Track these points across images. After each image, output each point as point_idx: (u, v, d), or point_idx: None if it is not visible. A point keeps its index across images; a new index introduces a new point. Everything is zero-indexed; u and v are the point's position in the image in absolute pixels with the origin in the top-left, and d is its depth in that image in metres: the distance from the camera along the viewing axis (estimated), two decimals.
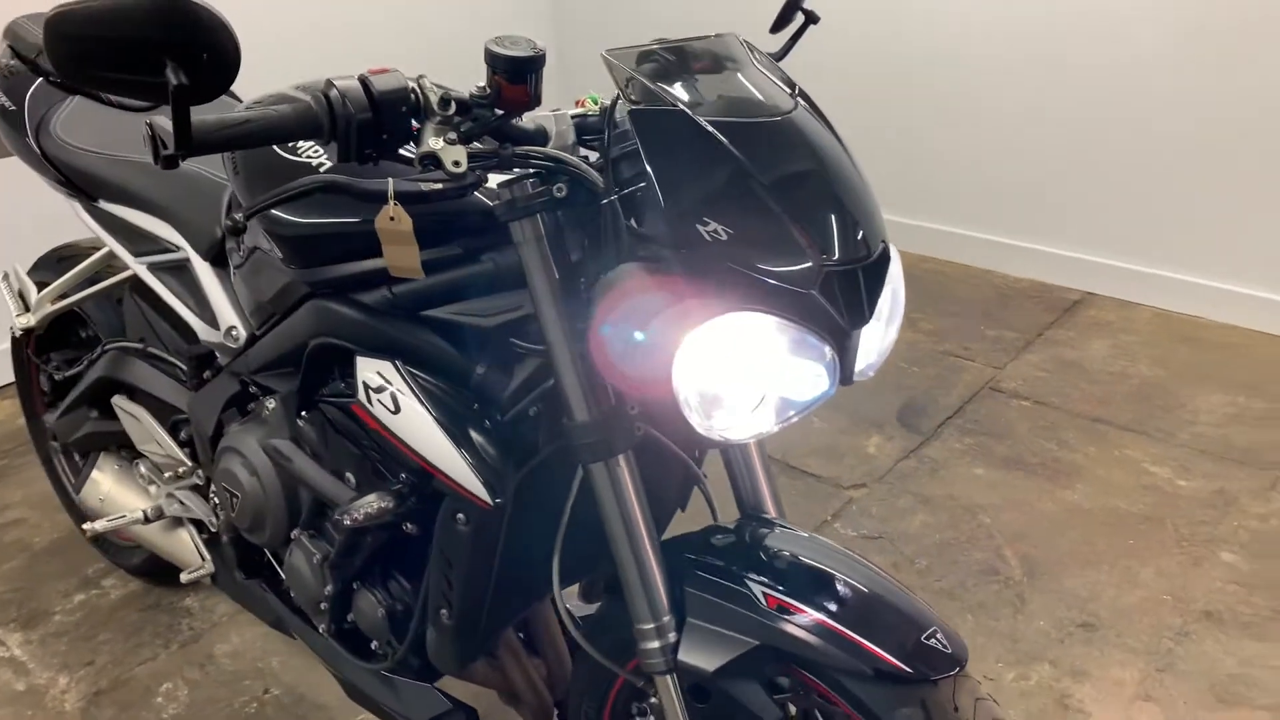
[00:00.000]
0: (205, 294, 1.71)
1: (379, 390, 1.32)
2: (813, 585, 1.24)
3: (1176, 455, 2.76)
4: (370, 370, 1.34)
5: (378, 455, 1.42)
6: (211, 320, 1.71)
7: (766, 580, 1.25)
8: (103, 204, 1.87)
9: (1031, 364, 3.26)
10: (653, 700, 1.38)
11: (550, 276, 1.19)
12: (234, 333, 1.67)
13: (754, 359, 1.08)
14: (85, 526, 1.98)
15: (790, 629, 1.20)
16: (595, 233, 1.19)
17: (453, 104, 1.13)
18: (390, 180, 1.12)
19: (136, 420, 1.90)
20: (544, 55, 1.13)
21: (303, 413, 1.52)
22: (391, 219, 1.12)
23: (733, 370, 1.08)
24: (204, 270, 1.73)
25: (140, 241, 1.83)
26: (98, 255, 2.07)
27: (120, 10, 0.92)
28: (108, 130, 1.91)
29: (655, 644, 1.26)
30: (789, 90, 1.18)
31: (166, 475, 1.91)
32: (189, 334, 1.93)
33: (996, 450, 2.84)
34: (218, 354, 1.77)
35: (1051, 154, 3.59)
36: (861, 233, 1.11)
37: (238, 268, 1.61)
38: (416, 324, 1.35)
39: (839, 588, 1.24)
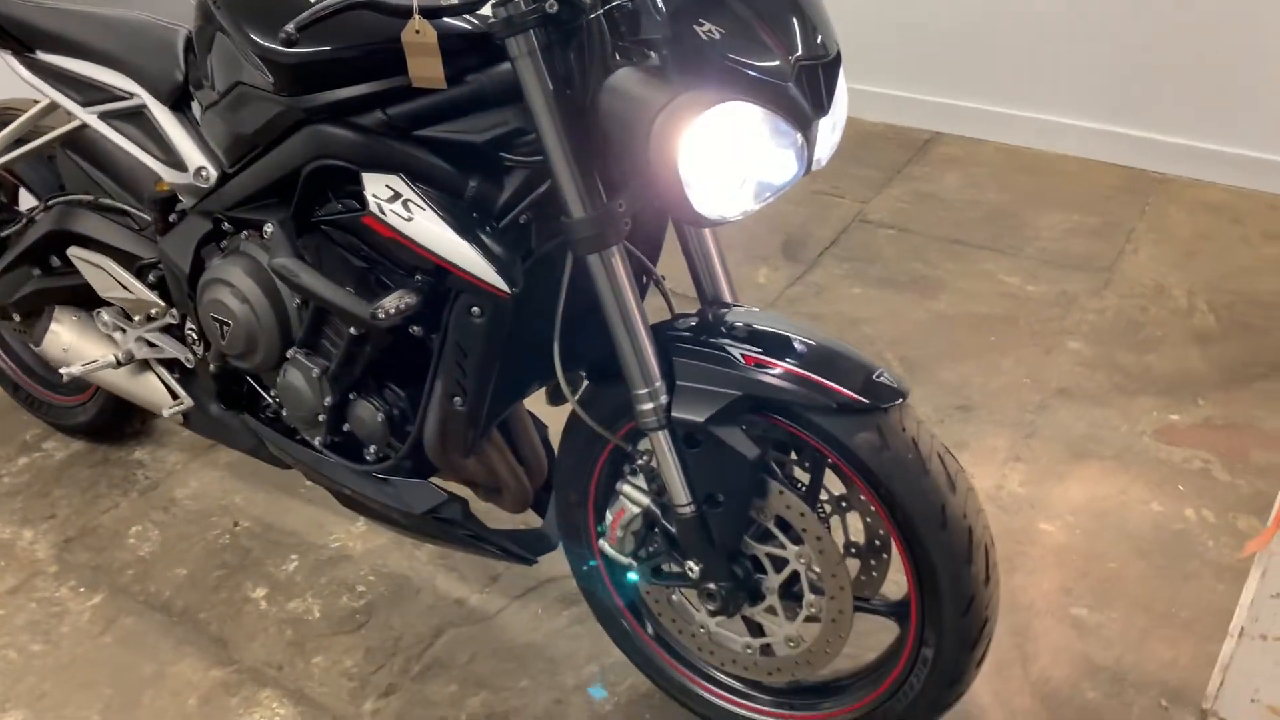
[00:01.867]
0: (168, 137, 1.78)
1: (391, 200, 1.46)
2: (780, 345, 1.49)
3: (1024, 266, 3.14)
4: (379, 184, 1.47)
5: (387, 263, 1.56)
6: (176, 163, 1.79)
7: (742, 344, 1.48)
8: (41, 55, 1.89)
9: (894, 197, 3.58)
10: (640, 461, 1.61)
11: (546, 88, 1.35)
12: (204, 173, 1.76)
13: (744, 143, 1.28)
14: (63, 371, 2.04)
15: (767, 379, 1.44)
16: (578, 46, 1.35)
17: None
18: None
19: (100, 270, 1.97)
20: None
21: (300, 235, 1.64)
22: (417, 32, 1.26)
23: (727, 153, 1.28)
24: (164, 114, 1.79)
25: (87, 92, 1.87)
26: (26, 115, 2.07)
27: None
28: None
29: (650, 405, 1.47)
30: None
31: (136, 319, 1.99)
32: (140, 182, 2.00)
33: (870, 272, 3.16)
34: (182, 196, 1.85)
35: (896, 5, 3.86)
36: (820, 36, 1.32)
37: (210, 106, 1.69)
38: (412, 142, 1.49)
39: (800, 345, 1.49)
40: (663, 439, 1.50)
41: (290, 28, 1.24)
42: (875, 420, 1.43)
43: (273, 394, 1.87)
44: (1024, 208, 3.47)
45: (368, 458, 1.80)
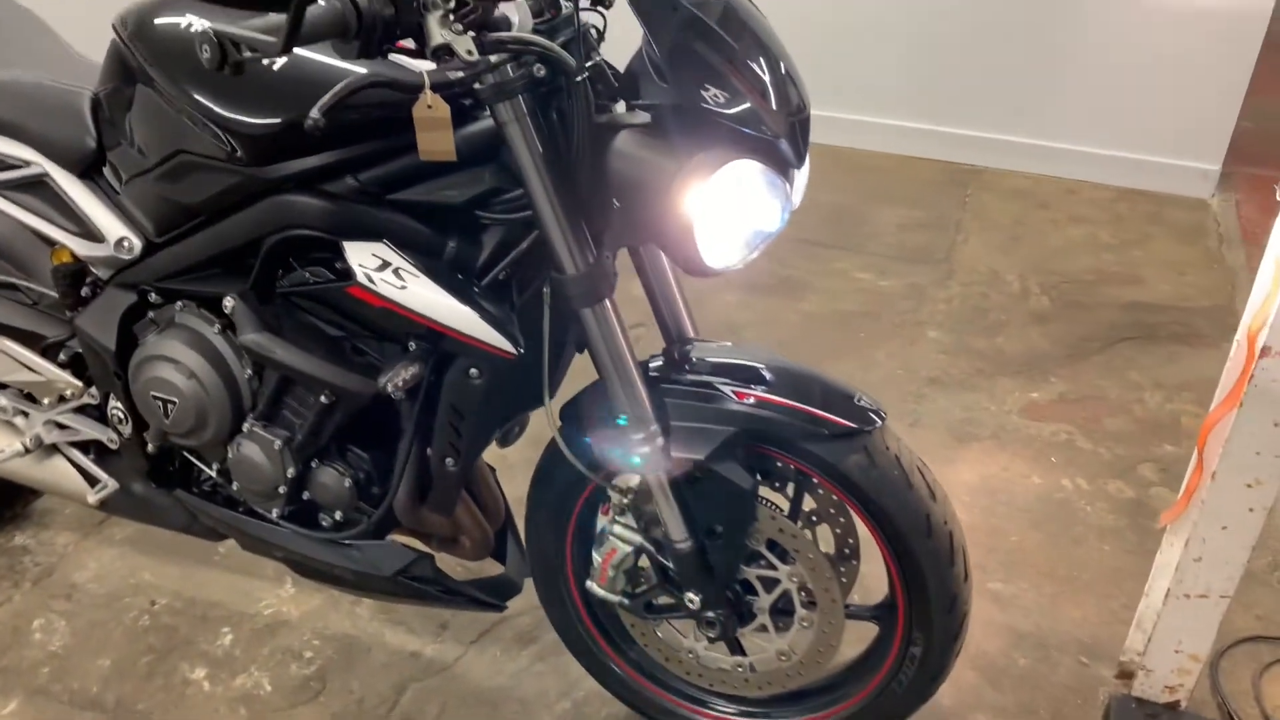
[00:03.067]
0: (78, 208, 1.67)
1: (380, 269, 1.44)
2: (762, 377, 1.56)
3: (873, 262, 3.36)
4: (363, 254, 1.45)
5: (361, 330, 1.53)
6: (90, 234, 1.68)
7: (727, 380, 1.55)
8: None
9: None
10: (626, 500, 1.64)
11: (535, 150, 1.37)
12: (126, 243, 1.66)
13: (746, 197, 1.34)
14: None
15: (761, 413, 1.52)
16: (559, 106, 1.38)
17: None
18: (425, 71, 1.24)
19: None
20: None
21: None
22: (429, 106, 1.25)
23: (734, 207, 1.34)
24: (71, 183, 1.68)
25: None
26: None
27: None
28: None
29: (646, 449, 1.52)
30: None
31: (45, 402, 1.84)
32: (30, 254, 1.85)
33: (737, 280, 3.28)
34: (96, 268, 1.73)
35: None
36: (800, 92, 1.40)
37: (138, 175, 1.60)
38: (388, 207, 1.47)
39: (780, 376, 1.57)
40: (660, 479, 1.54)
41: (316, 114, 1.20)
42: (862, 442, 1.53)
43: (216, 468, 1.78)
44: (858, 205, 3.70)
45: (324, 523, 1.75)
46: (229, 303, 1.56)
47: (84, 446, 1.88)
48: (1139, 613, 1.92)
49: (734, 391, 1.54)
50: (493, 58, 1.31)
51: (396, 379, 1.48)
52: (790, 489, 1.64)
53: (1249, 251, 3.40)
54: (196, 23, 1.46)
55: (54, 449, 1.89)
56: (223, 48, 1.11)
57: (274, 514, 1.75)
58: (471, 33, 1.26)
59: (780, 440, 1.55)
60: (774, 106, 1.34)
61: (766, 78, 1.34)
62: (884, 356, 2.92)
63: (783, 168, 1.37)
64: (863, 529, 1.60)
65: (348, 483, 1.68)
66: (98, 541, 2.29)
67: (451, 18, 1.26)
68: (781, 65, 1.37)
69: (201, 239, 1.59)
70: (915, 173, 3.92)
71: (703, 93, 1.30)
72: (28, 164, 1.69)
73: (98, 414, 1.84)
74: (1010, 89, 3.81)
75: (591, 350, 1.50)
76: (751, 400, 1.53)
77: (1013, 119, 3.86)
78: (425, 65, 1.37)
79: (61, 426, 1.86)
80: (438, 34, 1.25)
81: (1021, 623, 2.13)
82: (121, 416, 1.77)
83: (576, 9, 1.38)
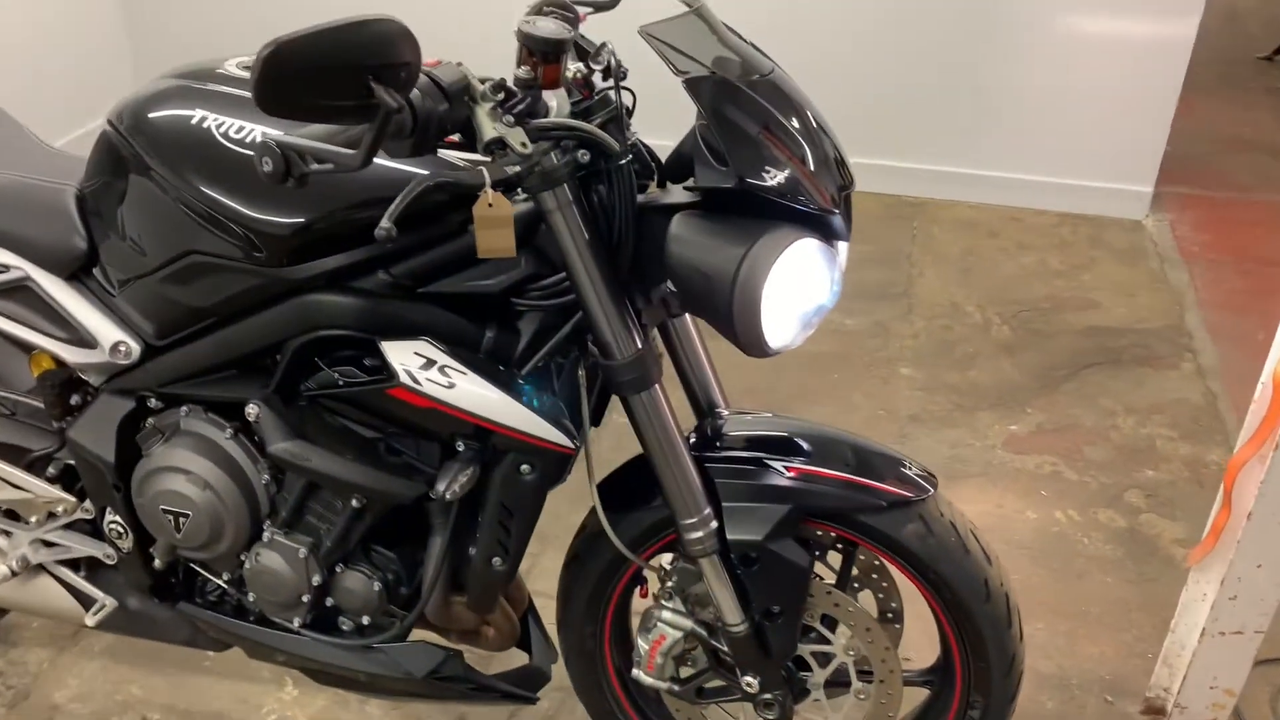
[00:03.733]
0: (67, 313, 1.56)
1: (425, 368, 1.36)
2: (812, 451, 1.53)
3: None
4: (405, 352, 1.37)
5: (396, 430, 1.46)
6: (81, 340, 1.57)
7: (775, 454, 1.51)
8: None
9: None
10: (670, 584, 1.60)
11: (581, 237, 1.32)
12: (123, 348, 1.55)
13: (807, 274, 1.31)
14: None
15: (815, 488, 1.49)
16: (598, 189, 1.34)
17: (504, 90, 1.22)
18: (485, 169, 1.19)
19: None
20: (572, 37, 1.25)
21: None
22: (490, 205, 1.19)
23: (797, 286, 1.30)
24: (58, 287, 1.56)
25: None
26: None
27: (334, 37, 0.92)
28: None
29: (700, 533, 1.47)
30: (754, 47, 1.40)
31: (33, 520, 1.71)
32: (11, 363, 1.73)
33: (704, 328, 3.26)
34: (86, 375, 1.62)
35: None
36: (847, 167, 1.38)
37: (139, 276, 1.50)
38: (423, 301, 1.40)
39: (828, 446, 1.54)
40: (715, 562, 1.50)
41: (387, 223, 1.13)
42: (917, 510, 1.51)
43: (226, 578, 1.67)
44: None
45: (344, 627, 1.66)
46: (252, 409, 1.47)
47: (74, 564, 1.75)
48: (1165, 649, 1.94)
49: (785, 467, 1.50)
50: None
51: (454, 485, 1.41)
52: (828, 558, 1.61)
53: (1190, 270, 3.52)
54: (211, 119, 1.38)
55: (40, 569, 1.75)
56: (287, 160, 1.04)
57: (295, 623, 1.65)
58: (520, 124, 1.22)
59: (834, 514, 1.51)
60: (826, 182, 1.32)
61: (818, 155, 1.32)
62: (861, 398, 2.92)
63: (839, 240, 1.35)
64: (905, 590, 1.58)
65: (377, 585, 1.59)
66: (75, 655, 2.14)
67: (500, 110, 1.22)
68: (828, 141, 1.35)
69: (214, 341, 1.50)
70: (859, 207, 3.94)
71: (765, 174, 1.27)
72: (6, 269, 1.57)
73: (90, 529, 1.72)
74: (949, 121, 3.88)
75: (641, 435, 1.45)
76: (804, 475, 1.49)
77: (953, 151, 3.93)
78: (467, 157, 1.32)
79: (49, 544, 1.73)
80: (490, 128, 1.20)
81: (1042, 664, 2.13)
82: (121, 531, 1.65)
83: (617, 89, 1.33)
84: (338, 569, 1.60)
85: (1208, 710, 1.86)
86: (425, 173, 1.26)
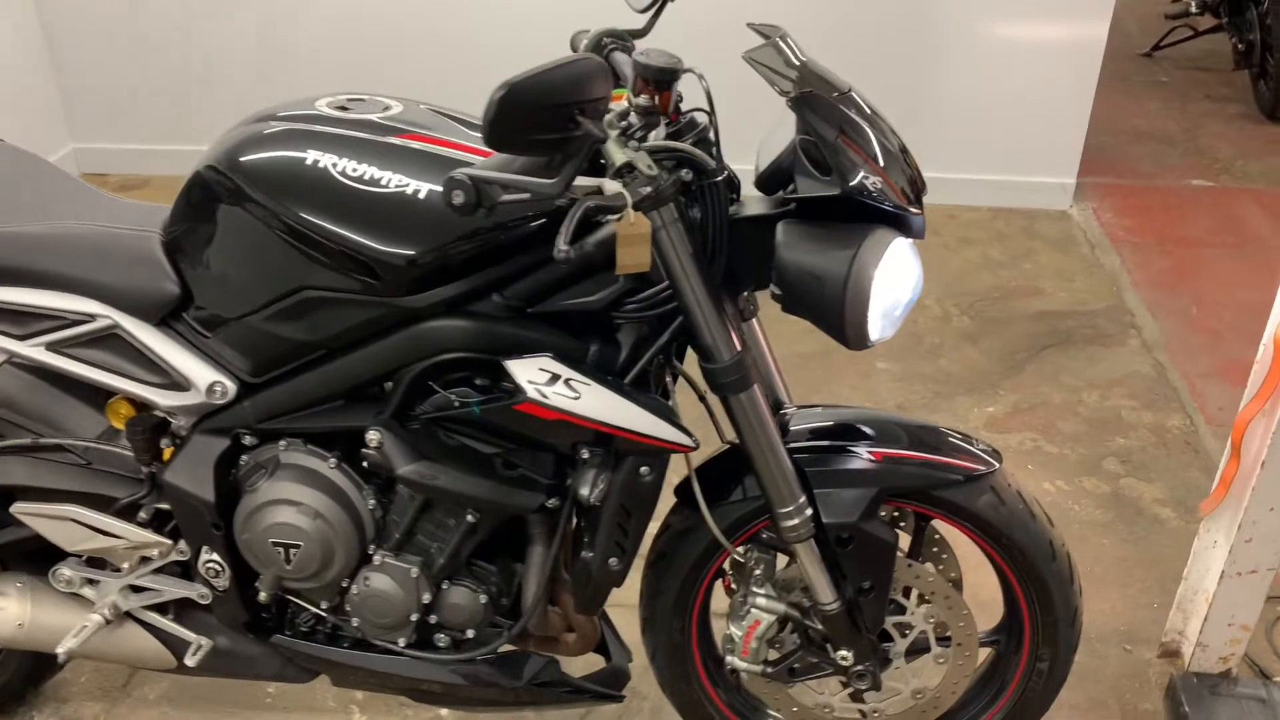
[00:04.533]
0: (159, 357, 1.58)
1: (550, 383, 1.44)
2: (887, 435, 1.66)
3: None
4: (530, 369, 1.44)
5: (511, 444, 1.53)
6: (174, 383, 1.59)
7: (857, 441, 1.63)
8: None
9: None
10: (758, 572, 1.70)
11: (686, 250, 1.42)
12: (219, 388, 1.58)
13: (904, 271, 1.44)
14: (59, 650, 1.69)
15: (899, 469, 1.61)
16: (691, 204, 1.44)
17: (626, 118, 1.31)
18: (625, 191, 1.28)
19: (66, 521, 1.67)
20: (681, 66, 1.36)
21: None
22: (632, 224, 1.28)
23: (897, 281, 1.43)
24: (148, 333, 1.59)
25: (24, 323, 1.60)
26: None
27: (552, 76, 1.00)
28: None
29: (797, 520, 1.58)
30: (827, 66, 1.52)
31: (124, 567, 1.71)
32: (74, 412, 1.74)
33: None
34: (176, 418, 1.64)
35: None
36: (919, 171, 1.51)
37: (243, 316, 1.53)
38: (535, 320, 1.48)
39: (900, 431, 1.67)
40: (811, 547, 1.61)
41: (564, 246, 1.21)
42: (988, 483, 1.65)
43: (324, 606, 1.71)
44: None
45: (439, 643, 1.72)
46: (374, 436, 1.51)
47: (161, 608, 1.76)
48: (1179, 596, 2.12)
49: (868, 451, 1.62)
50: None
51: (596, 489, 1.49)
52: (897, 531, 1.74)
53: (1120, 254, 3.78)
54: (325, 158, 1.43)
55: (127, 616, 1.75)
56: (479, 192, 1.11)
57: (400, 643, 1.69)
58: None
59: (915, 492, 1.64)
60: (907, 186, 1.45)
61: (899, 162, 1.45)
62: (848, 390, 3.08)
63: (920, 236, 1.48)
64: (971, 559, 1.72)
65: (483, 599, 1.66)
66: (130, 706, 2.12)
67: (625, 137, 1.31)
68: (903, 149, 1.48)
69: (322, 374, 1.54)
70: None
71: (865, 182, 1.39)
72: (93, 318, 1.58)
73: (180, 571, 1.73)
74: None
75: (742, 433, 1.55)
76: (886, 458, 1.62)
77: None
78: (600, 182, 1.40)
79: (138, 590, 1.74)
80: (619, 154, 1.29)
81: None
82: (218, 569, 1.67)
83: (712, 112, 1.44)
84: (443, 586, 1.65)
85: (1226, 646, 2.05)
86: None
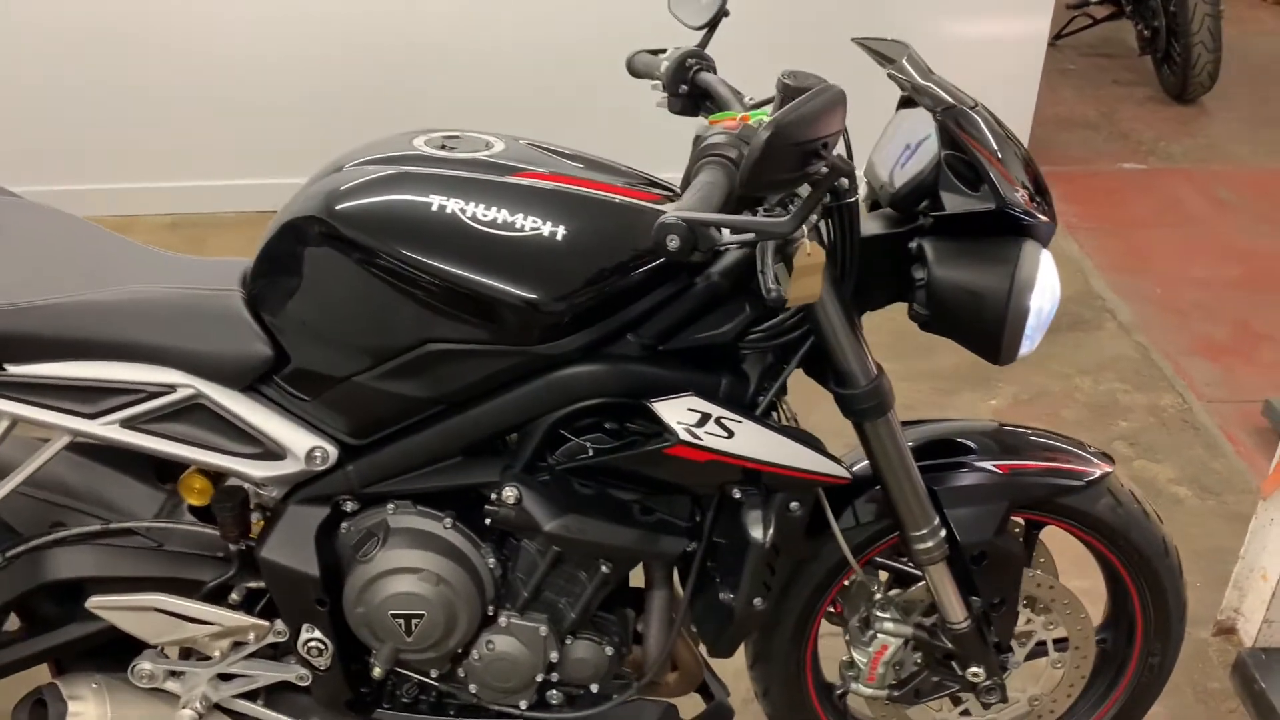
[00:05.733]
0: (250, 425, 1.46)
1: (700, 424, 1.37)
2: (1006, 446, 1.65)
3: None
4: (679, 409, 1.37)
5: (659, 488, 1.47)
6: (267, 452, 1.47)
7: (986, 457, 1.62)
8: (11, 370, 1.43)
9: None
10: (879, 597, 1.67)
11: (832, 274, 1.38)
12: (318, 454, 1.47)
13: (1051, 283, 1.42)
14: None
15: (1025, 481, 1.61)
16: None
17: None
18: (804, 225, 1.22)
19: (150, 611, 1.52)
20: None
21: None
22: (809, 254, 1.23)
23: (1046, 295, 1.41)
24: (237, 400, 1.46)
25: (94, 400, 1.45)
26: None
27: (807, 110, 0.95)
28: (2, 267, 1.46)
29: (931, 542, 1.55)
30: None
31: (216, 655, 1.57)
32: (136, 494, 1.60)
33: None
34: (265, 489, 1.52)
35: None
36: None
37: (346, 377, 1.42)
38: (665, 357, 1.42)
39: (1020, 440, 1.67)
40: (943, 569, 1.58)
41: (774, 286, 1.14)
42: (1105, 486, 1.65)
43: (435, 675, 1.60)
44: None
45: (552, 700, 1.63)
46: (510, 493, 1.42)
47: (252, 694, 1.63)
48: (1235, 574, 2.18)
49: (992, 465, 1.61)
50: None
51: (768, 530, 1.43)
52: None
53: (1077, 240, 3.89)
54: (451, 203, 1.34)
55: (215, 707, 1.62)
56: (695, 235, 1.04)
57: (522, 706, 1.60)
58: None
59: (1039, 502, 1.63)
60: (1040, 195, 1.44)
61: (1033, 173, 1.44)
62: None
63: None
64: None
65: (608, 650, 1.58)
66: None
67: None
68: (1027, 155, 1.47)
69: (442, 430, 1.44)
70: None
71: (1012, 194, 1.36)
72: (173, 388, 1.45)
73: (272, 653, 1.60)
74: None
75: (875, 458, 1.51)
76: (1012, 470, 1.60)
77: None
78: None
79: (226, 678, 1.60)
80: None
81: None
82: (321, 647, 1.55)
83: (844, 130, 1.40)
84: (567, 641, 1.57)
85: None
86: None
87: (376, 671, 1.55)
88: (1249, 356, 3.25)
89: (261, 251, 1.46)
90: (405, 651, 1.54)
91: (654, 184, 1.52)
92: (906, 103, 1.54)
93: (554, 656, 1.55)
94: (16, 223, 1.56)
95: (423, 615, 1.49)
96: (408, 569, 1.48)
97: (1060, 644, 1.75)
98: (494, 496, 1.46)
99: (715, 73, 1.58)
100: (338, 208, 1.37)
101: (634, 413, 1.42)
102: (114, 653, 1.61)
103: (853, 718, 1.86)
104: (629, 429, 1.43)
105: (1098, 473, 1.64)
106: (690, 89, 1.55)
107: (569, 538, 1.43)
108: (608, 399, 1.40)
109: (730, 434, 1.39)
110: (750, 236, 1.13)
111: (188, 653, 1.61)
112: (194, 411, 1.46)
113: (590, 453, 1.43)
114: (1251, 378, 3.15)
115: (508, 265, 1.34)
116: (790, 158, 1.04)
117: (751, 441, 1.40)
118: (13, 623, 1.65)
